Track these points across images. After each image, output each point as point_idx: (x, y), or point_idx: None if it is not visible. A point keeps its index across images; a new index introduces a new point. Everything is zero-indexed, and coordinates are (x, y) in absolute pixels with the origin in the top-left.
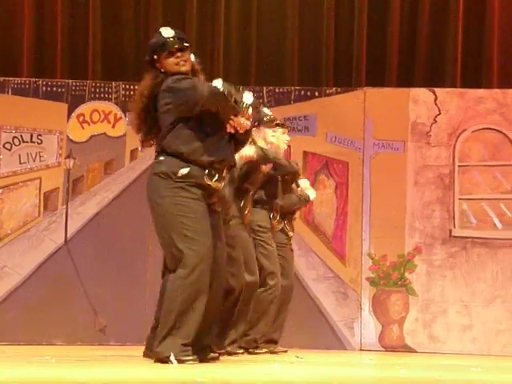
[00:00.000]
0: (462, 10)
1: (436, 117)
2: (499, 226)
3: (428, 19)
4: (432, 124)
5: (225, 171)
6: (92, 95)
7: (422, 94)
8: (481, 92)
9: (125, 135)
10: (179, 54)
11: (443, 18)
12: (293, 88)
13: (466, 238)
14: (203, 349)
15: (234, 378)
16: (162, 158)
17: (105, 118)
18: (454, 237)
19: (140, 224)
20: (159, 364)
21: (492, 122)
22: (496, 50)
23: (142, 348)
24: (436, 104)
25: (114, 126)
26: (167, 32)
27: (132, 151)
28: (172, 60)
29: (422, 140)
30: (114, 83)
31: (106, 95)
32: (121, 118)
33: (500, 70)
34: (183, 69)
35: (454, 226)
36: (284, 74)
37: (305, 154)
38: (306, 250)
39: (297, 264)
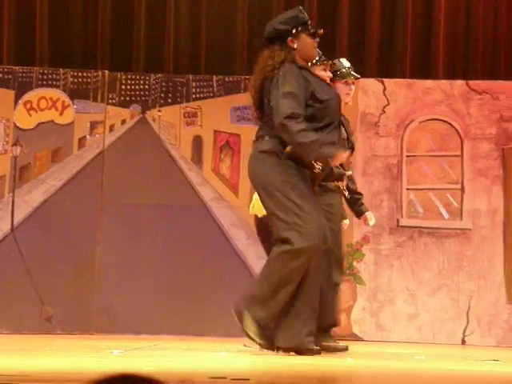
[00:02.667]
0: (411, 1)
1: (385, 107)
2: (446, 215)
3: (378, 10)
4: (381, 114)
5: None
6: (39, 82)
7: (371, 84)
8: (428, 83)
9: (73, 123)
10: (318, 39)
11: (392, 8)
12: (243, 77)
13: (413, 227)
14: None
15: (179, 367)
16: (267, 139)
17: (52, 106)
18: (402, 226)
19: (88, 212)
20: (105, 353)
21: (439, 112)
22: (443, 41)
23: (89, 337)
24: (385, 94)
25: (61, 114)
26: (303, 12)
27: (80, 139)
28: (312, 41)
29: (371, 130)
30: (62, 70)
31: (54, 82)
32: (69, 105)
33: (447, 61)
34: (315, 54)
35: (402, 216)
36: (234, 63)
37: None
38: (255, 240)
39: (247, 254)
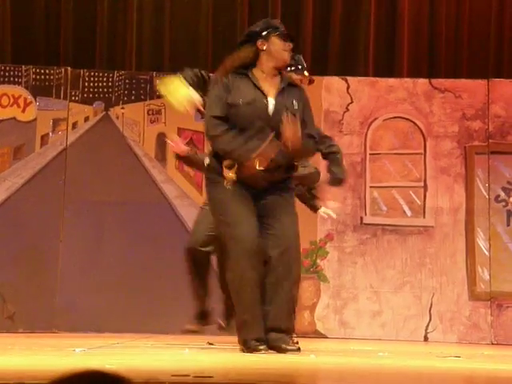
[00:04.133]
0: None
1: (348, 105)
2: (409, 213)
3: (341, 8)
4: (344, 112)
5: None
6: (1, 79)
7: (334, 82)
8: (392, 81)
9: (35, 120)
10: (289, 43)
11: (356, 6)
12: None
13: (377, 225)
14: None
15: (143, 364)
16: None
17: (14, 103)
18: (365, 224)
19: (51, 210)
20: (67, 351)
21: (402, 110)
22: (407, 39)
23: (51, 335)
24: (348, 92)
25: (23, 111)
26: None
27: (42, 136)
28: (283, 44)
29: (335, 128)
30: (23, 67)
31: (16, 79)
32: (31, 102)
33: (410, 60)
34: (286, 57)
35: (365, 214)
36: (197, 60)
37: None
38: None
39: None
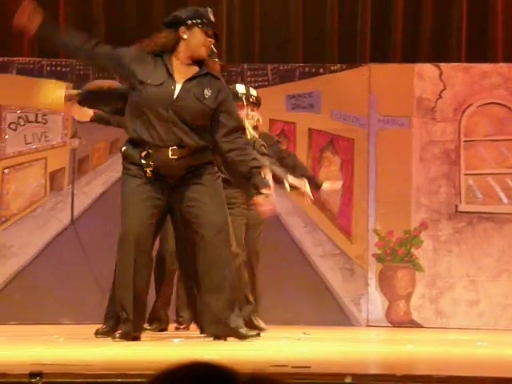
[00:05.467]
0: None
1: (441, 92)
2: (505, 200)
3: None
4: (437, 99)
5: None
6: (98, 74)
7: (426, 69)
8: (486, 66)
9: None
10: (210, 39)
11: None
12: (297, 65)
13: (472, 213)
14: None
15: (240, 355)
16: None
17: None
18: (460, 212)
19: None
20: (165, 342)
21: (497, 96)
22: (501, 23)
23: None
24: (441, 79)
25: None
26: (209, 12)
27: None
28: (203, 38)
29: (428, 115)
30: None
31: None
32: None
33: (505, 44)
34: (203, 53)
35: (460, 202)
36: (288, 50)
37: (310, 131)
38: (312, 227)
39: (304, 241)
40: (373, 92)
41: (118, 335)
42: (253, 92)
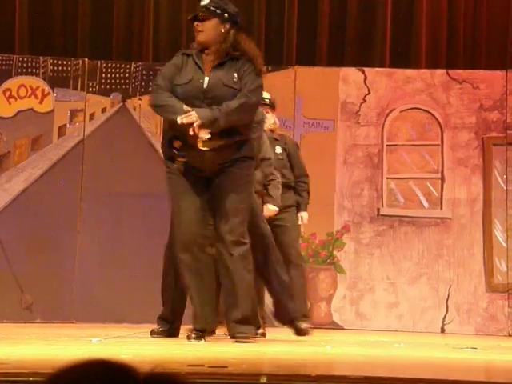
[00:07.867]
0: None
1: (365, 96)
2: (426, 204)
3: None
4: (361, 103)
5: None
6: (19, 70)
7: (351, 73)
8: (409, 72)
9: (53, 111)
10: (196, 22)
11: None
12: None
13: (394, 216)
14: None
15: (157, 354)
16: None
17: (32, 94)
18: (382, 215)
19: (68, 201)
20: (84, 341)
21: (420, 101)
22: (425, 30)
23: (69, 326)
24: (365, 83)
25: (41, 102)
26: None
27: (60, 127)
28: (193, 25)
29: (352, 119)
30: (41, 58)
31: (34, 70)
32: (49, 93)
33: (428, 51)
34: (197, 38)
35: (382, 205)
36: None
37: None
38: None
39: None
40: (298, 94)
41: (193, 336)
42: (266, 95)
